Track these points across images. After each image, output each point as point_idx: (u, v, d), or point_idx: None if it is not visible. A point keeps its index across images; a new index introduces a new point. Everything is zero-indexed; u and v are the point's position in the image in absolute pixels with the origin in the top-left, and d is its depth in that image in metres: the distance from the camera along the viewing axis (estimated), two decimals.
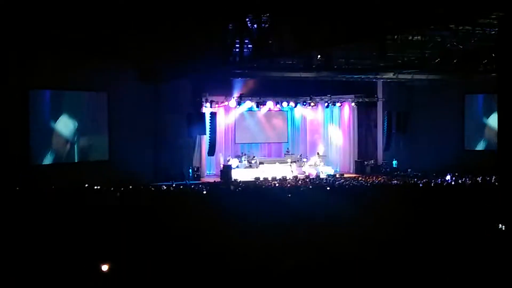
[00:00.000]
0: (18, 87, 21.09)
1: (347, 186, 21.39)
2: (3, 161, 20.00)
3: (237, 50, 19.10)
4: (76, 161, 23.42)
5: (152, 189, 20.68)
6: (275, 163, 28.44)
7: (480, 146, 28.87)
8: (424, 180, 22.46)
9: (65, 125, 23.04)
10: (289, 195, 15.22)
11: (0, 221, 10.95)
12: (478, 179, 22.50)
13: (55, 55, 21.32)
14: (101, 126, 24.31)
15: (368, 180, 24.65)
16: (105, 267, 7.53)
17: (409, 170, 27.09)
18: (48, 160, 22.49)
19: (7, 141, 20.63)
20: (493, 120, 26.90)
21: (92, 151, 24.11)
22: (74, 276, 7.66)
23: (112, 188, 18.71)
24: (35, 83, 21.71)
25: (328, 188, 19.69)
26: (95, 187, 19.12)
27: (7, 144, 20.60)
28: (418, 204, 12.54)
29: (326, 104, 28.72)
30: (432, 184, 20.64)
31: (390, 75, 24.92)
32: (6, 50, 20.19)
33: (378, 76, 25.90)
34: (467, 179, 22.80)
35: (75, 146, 23.53)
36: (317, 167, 28.22)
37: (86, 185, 19.27)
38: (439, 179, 23.09)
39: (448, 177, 23.53)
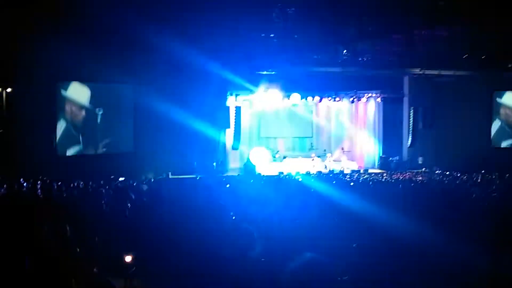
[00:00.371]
0: (47, 79, 21.42)
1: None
2: (32, 151, 20.36)
3: (263, 43, 19.14)
4: (101, 152, 23.70)
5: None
6: (299, 157, 28.38)
7: (507, 144, 28.50)
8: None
9: (90, 117, 23.33)
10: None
11: (30, 211, 11.14)
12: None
13: (82, 48, 21.56)
14: (126, 118, 24.57)
15: (394, 176, 24.47)
16: (128, 258, 7.62)
17: (434, 167, 26.79)
18: (74, 151, 22.80)
19: (36, 132, 20.99)
20: None
21: (117, 143, 24.38)
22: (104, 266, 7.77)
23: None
24: (63, 75, 22.01)
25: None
26: (120, 179, 19.32)
27: (36, 135, 20.95)
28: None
29: (351, 99, 28.59)
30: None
31: (417, 70, 24.71)
32: (35, 42, 20.48)
33: (405, 72, 25.68)
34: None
35: (101, 138, 23.80)
36: (342, 162, 28.09)
37: (112, 176, 19.47)
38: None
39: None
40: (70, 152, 22.78)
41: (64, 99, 22.70)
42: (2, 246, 5.70)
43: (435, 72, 24.68)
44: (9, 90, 20.92)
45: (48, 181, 17.15)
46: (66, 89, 22.79)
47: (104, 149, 23.91)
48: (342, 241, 5.97)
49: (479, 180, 20.59)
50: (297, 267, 2.85)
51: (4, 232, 7.52)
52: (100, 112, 23.63)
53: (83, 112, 23.22)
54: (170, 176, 23.21)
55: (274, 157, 28.08)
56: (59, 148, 22.48)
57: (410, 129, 28.02)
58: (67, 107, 22.86)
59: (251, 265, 3.97)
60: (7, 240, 6.31)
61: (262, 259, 4.11)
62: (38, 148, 20.82)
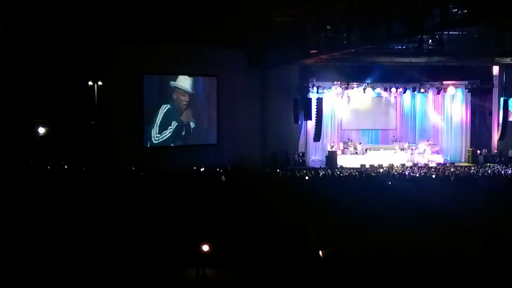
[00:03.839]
0: (134, 72, 22.28)
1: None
2: (119, 142, 21.28)
3: (345, 35, 18.93)
4: (185, 144, 24.39)
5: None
6: (381, 150, 27.89)
7: None
8: None
9: (175, 109, 24.07)
10: None
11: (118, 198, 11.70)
12: None
13: (168, 41, 22.22)
14: (210, 111, 25.15)
15: (482, 170, 23.59)
16: (205, 247, 7.86)
17: None
18: (159, 142, 23.60)
19: (123, 123, 21.90)
20: None
21: (201, 134, 25.02)
22: (178, 254, 8.06)
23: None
24: (149, 68, 22.81)
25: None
26: (202, 169, 19.81)
27: (123, 126, 21.86)
28: None
29: (437, 90, 27.75)
30: None
31: (507, 60, 23.59)
32: (123, 36, 21.32)
33: (494, 61, 24.60)
34: None
35: (184, 129, 24.49)
36: (426, 155, 27.35)
37: (194, 168, 19.99)
38: None
39: None
40: (157, 143, 23.58)
41: (152, 93, 23.58)
42: None
43: None
44: (100, 83, 21.91)
45: None
46: (153, 82, 23.67)
47: (189, 141, 24.60)
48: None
49: None
50: (327, 254, 2.92)
51: None
52: (185, 105, 24.38)
53: (169, 104, 24.03)
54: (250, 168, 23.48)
55: (356, 149, 27.73)
56: (146, 139, 23.34)
57: (500, 121, 26.82)
58: (174, 96, 23.86)
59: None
60: None
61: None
62: (124, 139, 21.72)
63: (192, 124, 24.68)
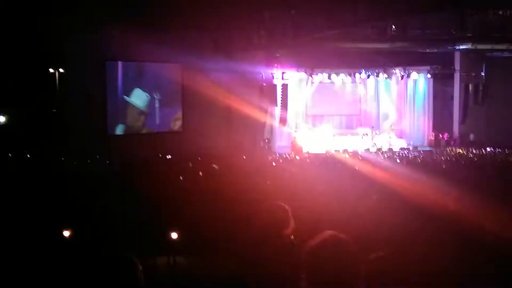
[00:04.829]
0: (95, 58, 21.85)
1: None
2: (82, 130, 20.91)
3: (309, 21, 18.94)
4: (149, 132, 24.14)
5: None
6: (346, 135, 28.14)
7: None
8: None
9: (139, 96, 23.76)
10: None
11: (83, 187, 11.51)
12: None
13: (132, 27, 21.84)
14: (175, 98, 24.92)
15: (443, 153, 24.05)
16: (174, 235, 7.79)
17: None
18: (123, 130, 23.30)
19: (86, 111, 21.51)
20: None
21: (166, 122, 24.79)
22: (148, 242, 7.97)
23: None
24: (111, 55, 22.40)
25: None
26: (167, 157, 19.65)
27: (86, 114, 21.47)
28: None
29: (400, 75, 28.09)
30: None
31: (469, 45, 23.97)
32: (83, 21, 20.89)
33: (456, 47, 24.96)
34: None
35: (149, 117, 24.24)
36: (390, 140, 27.71)
37: (160, 155, 19.81)
38: None
39: None
40: (120, 131, 23.27)
41: (115, 80, 23.19)
42: None
43: (488, 46, 23.86)
44: (61, 71, 21.47)
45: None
46: (115, 69, 23.29)
47: (153, 128, 24.36)
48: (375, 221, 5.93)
49: None
50: (317, 244, 2.88)
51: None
52: (158, 98, 24.12)
53: (132, 92, 23.72)
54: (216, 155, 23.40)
55: (321, 135, 27.90)
56: (110, 127, 23.00)
57: (461, 106, 27.34)
58: (116, 88, 23.42)
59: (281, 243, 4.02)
60: None
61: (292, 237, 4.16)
62: (88, 127, 21.34)
63: (156, 112, 24.42)
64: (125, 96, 23.45)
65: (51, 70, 21.05)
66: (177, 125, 25.18)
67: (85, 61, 21.42)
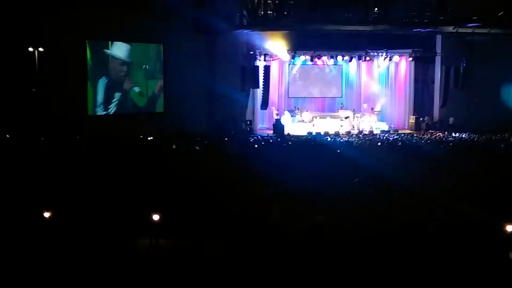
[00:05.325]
0: (77, 38, 21.55)
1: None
2: (62, 110, 20.68)
3: (292, 2, 18.84)
4: (131, 112, 23.96)
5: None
6: (328, 118, 28.17)
7: None
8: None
9: (121, 77, 23.54)
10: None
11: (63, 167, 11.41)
12: None
13: (114, 7, 21.56)
14: (156, 79, 24.73)
15: (424, 136, 24.26)
16: (156, 217, 7.77)
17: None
18: (104, 111, 23.09)
19: (67, 91, 21.25)
20: None
21: (148, 102, 24.63)
22: (125, 223, 7.93)
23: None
24: (93, 34, 22.12)
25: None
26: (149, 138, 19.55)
27: (67, 95, 21.22)
28: None
29: (382, 58, 28.14)
30: None
31: (450, 28, 24.04)
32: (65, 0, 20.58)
33: (437, 30, 25.04)
34: None
35: (131, 98, 24.05)
36: (371, 123, 27.82)
37: (141, 136, 19.70)
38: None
39: None
40: (101, 111, 23.05)
41: (96, 60, 22.92)
42: None
43: (469, 30, 23.95)
44: (41, 49, 21.12)
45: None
46: (97, 48, 23.00)
47: (135, 109, 24.18)
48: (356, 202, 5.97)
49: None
50: (304, 228, 2.89)
51: None
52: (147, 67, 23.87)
53: (125, 69, 23.52)
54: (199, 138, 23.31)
55: (303, 117, 27.91)
56: (90, 107, 22.77)
57: (442, 89, 27.52)
58: (110, 65, 23.19)
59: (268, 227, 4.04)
60: None
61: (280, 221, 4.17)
62: (68, 107, 21.09)
63: (137, 92, 24.23)
64: (105, 50, 23.14)
65: (30, 49, 20.70)
66: (158, 105, 25.02)
67: (65, 40, 21.09)
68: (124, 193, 9.17)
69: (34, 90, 21.14)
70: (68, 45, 21.21)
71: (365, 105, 29.12)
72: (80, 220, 7.72)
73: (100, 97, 23.07)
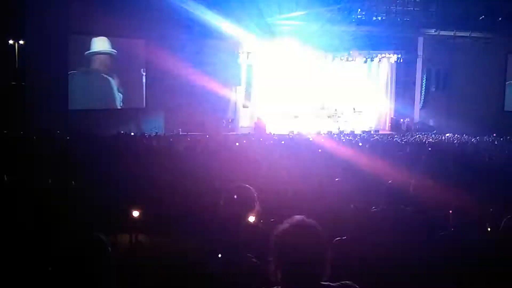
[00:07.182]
0: (58, 32, 21.32)
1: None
2: (42, 104, 20.46)
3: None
4: (112, 107, 23.80)
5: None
6: (309, 117, 28.21)
7: None
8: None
9: (102, 71, 23.36)
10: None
11: (43, 163, 11.26)
12: None
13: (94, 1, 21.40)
14: (138, 74, 24.57)
15: (404, 138, 24.42)
16: (136, 213, 7.69)
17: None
18: (85, 106, 22.89)
19: (47, 85, 21.01)
20: None
21: (129, 98, 24.46)
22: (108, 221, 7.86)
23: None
24: (75, 28, 21.90)
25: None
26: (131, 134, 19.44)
27: (48, 89, 20.99)
28: None
29: (364, 59, 28.26)
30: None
31: (432, 31, 24.30)
32: None
33: (419, 32, 25.27)
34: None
35: (112, 93, 23.88)
36: (352, 123, 27.94)
37: (122, 132, 19.56)
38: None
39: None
40: (83, 107, 22.84)
41: (78, 54, 22.73)
42: None
43: (450, 33, 24.22)
44: (21, 42, 20.89)
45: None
46: (78, 42, 22.81)
47: (116, 105, 24.02)
48: (341, 202, 5.98)
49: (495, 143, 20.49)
50: (285, 229, 2.88)
51: None
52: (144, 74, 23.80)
53: (96, 66, 23.32)
54: (181, 133, 23.25)
55: (285, 116, 27.92)
56: (71, 102, 22.56)
57: (423, 91, 27.78)
58: (79, 62, 22.95)
59: (248, 228, 4.02)
60: None
61: (261, 221, 4.15)
62: (49, 101, 20.87)
63: (120, 88, 24.06)
64: (87, 44, 23.05)
65: (10, 42, 20.46)
66: (139, 102, 24.87)
67: (47, 34, 20.86)
68: (104, 188, 9.08)
69: (14, 83, 20.89)
70: (50, 38, 20.98)
71: (346, 106, 29.21)
72: (60, 217, 7.63)
73: (81, 91, 22.84)
